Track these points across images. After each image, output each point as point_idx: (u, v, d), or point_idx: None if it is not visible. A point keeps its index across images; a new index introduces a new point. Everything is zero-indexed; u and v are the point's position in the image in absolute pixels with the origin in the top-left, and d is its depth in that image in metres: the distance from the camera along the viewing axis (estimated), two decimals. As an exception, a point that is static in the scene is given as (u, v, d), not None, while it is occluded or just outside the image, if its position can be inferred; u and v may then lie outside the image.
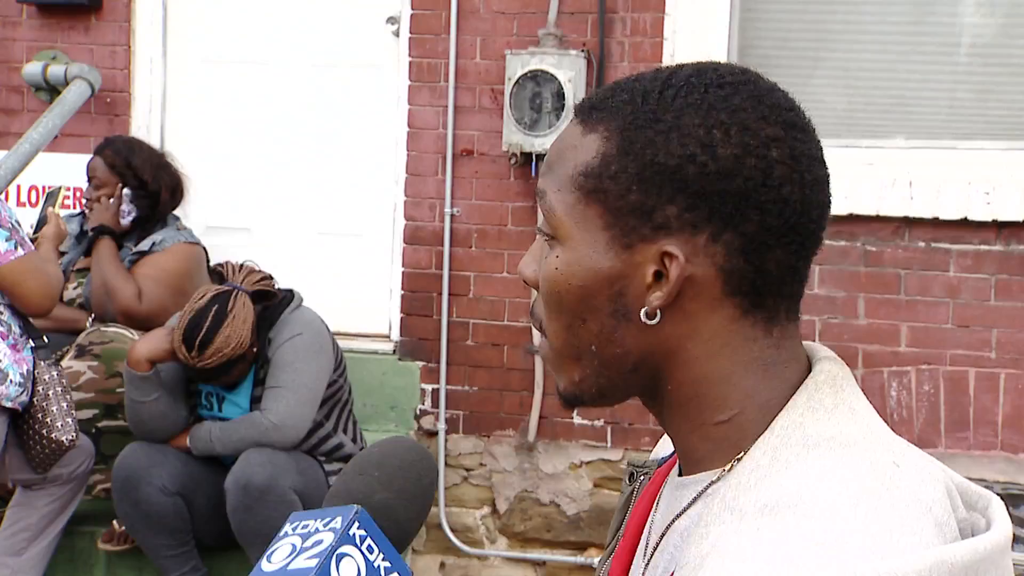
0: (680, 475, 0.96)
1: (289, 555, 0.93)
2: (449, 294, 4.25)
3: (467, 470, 4.30)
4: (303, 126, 4.50)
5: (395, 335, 4.37)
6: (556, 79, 3.97)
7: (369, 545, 0.94)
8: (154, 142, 4.35)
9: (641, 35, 4.07)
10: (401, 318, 4.34)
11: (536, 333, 0.95)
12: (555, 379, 0.98)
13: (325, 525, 0.94)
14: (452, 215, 4.24)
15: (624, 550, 1.03)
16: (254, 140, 4.55)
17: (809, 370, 0.93)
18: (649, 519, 1.02)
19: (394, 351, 4.36)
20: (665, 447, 1.10)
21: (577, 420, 4.17)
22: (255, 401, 3.38)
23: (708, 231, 0.88)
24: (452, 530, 4.27)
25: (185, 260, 3.82)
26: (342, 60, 4.44)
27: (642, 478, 1.08)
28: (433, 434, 4.29)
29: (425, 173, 4.30)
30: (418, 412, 4.32)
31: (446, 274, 4.25)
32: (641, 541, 1.02)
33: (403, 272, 4.33)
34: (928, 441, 3.81)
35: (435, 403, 4.29)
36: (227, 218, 4.56)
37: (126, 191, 3.78)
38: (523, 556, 4.23)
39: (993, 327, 3.83)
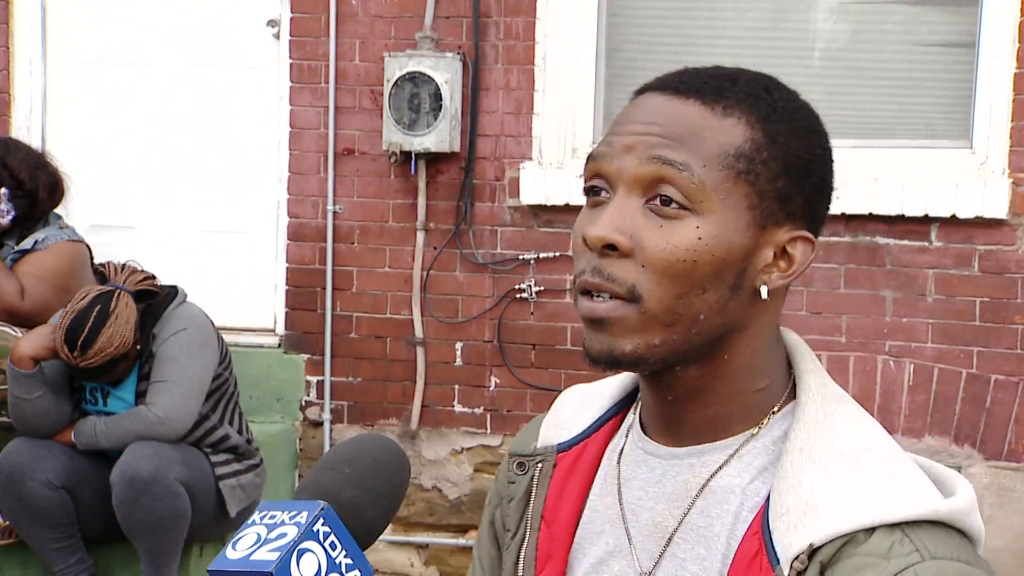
0: (676, 446, 1.02)
1: (253, 545, 0.93)
2: (332, 288, 4.36)
3: (351, 459, 4.41)
4: (186, 127, 4.55)
5: (280, 329, 4.47)
6: (433, 80, 4.11)
7: (332, 542, 0.94)
8: (35, 143, 4.35)
9: (514, 39, 4.22)
10: (286, 312, 4.44)
11: (587, 299, 0.99)
12: (613, 342, 0.97)
13: (291, 518, 0.94)
14: (334, 212, 4.35)
15: (556, 536, 1.07)
16: (137, 140, 4.58)
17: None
18: (605, 496, 1.06)
19: (279, 344, 4.46)
20: (553, 434, 1.13)
21: (458, 408, 4.32)
22: (140, 396, 3.40)
23: (809, 224, 1.02)
24: (338, 517, 4.38)
25: (68, 257, 3.82)
26: (224, 62, 4.51)
27: (541, 465, 1.12)
28: (318, 424, 4.40)
29: (308, 172, 4.40)
30: (303, 403, 4.42)
31: (329, 269, 4.35)
32: (592, 517, 1.06)
33: (287, 268, 4.43)
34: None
35: (320, 394, 4.39)
36: (111, 217, 4.59)
37: (4, 191, 3.76)
38: (407, 540, 4.36)
39: (843, 313, 4.09)
